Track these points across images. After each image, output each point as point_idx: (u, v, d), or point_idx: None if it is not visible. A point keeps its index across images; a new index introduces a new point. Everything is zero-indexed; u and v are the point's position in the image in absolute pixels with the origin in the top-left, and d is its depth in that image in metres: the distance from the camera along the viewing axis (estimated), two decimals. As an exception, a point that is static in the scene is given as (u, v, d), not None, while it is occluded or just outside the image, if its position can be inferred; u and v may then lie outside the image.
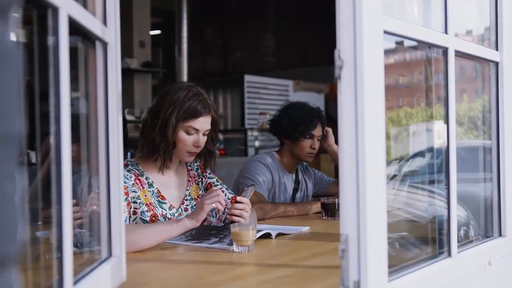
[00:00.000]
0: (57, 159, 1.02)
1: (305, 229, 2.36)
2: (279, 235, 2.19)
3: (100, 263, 1.32)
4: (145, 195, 2.19)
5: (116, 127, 1.39)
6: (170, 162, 2.27)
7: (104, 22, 1.36)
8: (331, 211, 2.66)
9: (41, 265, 1.30)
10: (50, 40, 1.03)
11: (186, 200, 2.35)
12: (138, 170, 2.23)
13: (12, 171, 0.57)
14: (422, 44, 1.60)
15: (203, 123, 2.23)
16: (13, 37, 0.58)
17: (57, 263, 1.02)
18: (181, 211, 2.30)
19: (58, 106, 1.01)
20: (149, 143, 2.21)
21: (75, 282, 1.10)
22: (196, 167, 2.44)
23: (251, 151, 7.56)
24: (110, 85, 1.38)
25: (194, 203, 2.36)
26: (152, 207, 2.19)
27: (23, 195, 0.59)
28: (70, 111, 1.04)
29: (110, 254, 1.38)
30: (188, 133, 2.21)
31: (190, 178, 2.39)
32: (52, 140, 1.03)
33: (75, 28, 1.13)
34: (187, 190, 2.36)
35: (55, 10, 1.00)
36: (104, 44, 1.36)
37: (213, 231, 2.15)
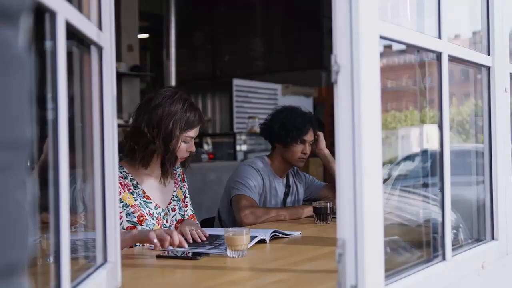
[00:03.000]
0: (55, 164, 1.01)
1: (297, 233, 2.37)
2: (273, 238, 2.19)
3: (95, 269, 1.31)
4: (129, 197, 2.25)
5: (111, 131, 1.38)
6: (172, 171, 2.38)
7: (100, 26, 1.35)
8: (323, 215, 2.66)
9: (35, 270, 1.29)
10: (47, 44, 1.02)
11: (174, 200, 2.43)
12: (121, 173, 2.25)
13: (22, 178, 0.57)
14: (410, 48, 1.61)
15: (197, 130, 2.35)
16: (23, 43, 0.58)
17: (54, 269, 1.01)
18: (168, 210, 2.38)
19: (56, 110, 1.01)
20: (150, 154, 2.27)
21: (72, 288, 1.09)
22: (178, 173, 2.52)
23: (240, 155, 7.55)
24: (105, 90, 1.37)
25: (181, 204, 2.45)
26: (137, 208, 2.25)
27: (33, 201, 0.59)
28: (67, 116, 1.03)
29: (105, 259, 1.37)
30: (185, 142, 2.31)
31: (176, 180, 2.48)
32: (49, 144, 1.02)
33: (71, 33, 1.12)
34: (174, 191, 2.44)
35: (53, 14, 1.00)
36: (100, 49, 1.35)
37: (207, 240, 2.14)
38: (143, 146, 2.25)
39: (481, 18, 1.85)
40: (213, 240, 2.14)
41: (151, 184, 2.35)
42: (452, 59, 1.60)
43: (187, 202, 2.53)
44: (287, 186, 3.17)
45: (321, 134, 3.15)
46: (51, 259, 1.09)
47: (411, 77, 1.94)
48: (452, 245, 1.58)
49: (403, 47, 1.58)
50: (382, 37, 1.25)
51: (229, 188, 2.98)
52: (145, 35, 10.23)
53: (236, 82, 8.35)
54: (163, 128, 2.23)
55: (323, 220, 2.65)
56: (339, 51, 1.18)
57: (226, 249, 1.89)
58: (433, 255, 1.54)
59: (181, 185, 2.50)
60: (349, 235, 1.17)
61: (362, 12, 1.16)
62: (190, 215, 2.47)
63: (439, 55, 1.53)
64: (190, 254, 1.90)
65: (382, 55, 1.53)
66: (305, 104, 7.78)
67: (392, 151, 2.35)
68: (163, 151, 2.26)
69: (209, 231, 2.27)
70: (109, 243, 1.38)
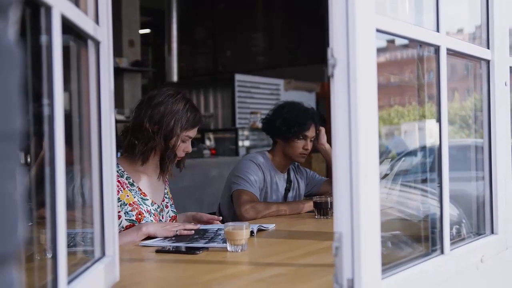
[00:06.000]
0: (51, 160, 1.01)
1: (271, 226, 2.40)
2: (259, 231, 2.24)
3: (93, 263, 1.31)
4: (127, 195, 2.28)
5: (108, 126, 1.38)
6: (171, 168, 2.39)
7: (96, 21, 1.35)
8: (323, 209, 2.66)
9: (32, 265, 1.29)
10: (43, 39, 1.02)
11: (166, 197, 2.47)
12: (117, 171, 2.26)
13: (13, 169, 0.57)
14: (413, 43, 1.60)
15: (196, 131, 2.39)
16: (12, 35, 0.58)
17: (51, 263, 1.02)
18: (163, 207, 2.42)
19: (52, 105, 1.01)
20: (149, 150, 2.29)
21: (69, 282, 1.10)
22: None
23: (242, 151, 7.55)
24: (103, 84, 1.37)
25: (171, 202, 2.50)
26: (136, 206, 2.28)
27: (24, 193, 0.60)
28: (63, 111, 1.03)
29: (103, 253, 1.38)
30: (183, 141, 2.33)
31: (166, 180, 2.51)
32: (45, 140, 1.02)
33: (67, 27, 1.12)
34: (165, 189, 2.49)
35: (48, 9, 1.00)
36: (97, 43, 1.35)
37: (196, 235, 2.14)
38: (144, 141, 2.27)
39: (481, 11, 1.85)
40: (203, 234, 2.14)
41: (145, 182, 2.38)
42: (451, 52, 1.59)
43: (167, 203, 2.55)
44: (289, 181, 3.17)
45: (322, 129, 3.15)
46: (51, 254, 1.10)
47: (414, 72, 1.94)
48: (454, 240, 1.57)
49: (406, 41, 1.58)
50: (378, 31, 1.24)
51: (230, 183, 2.99)
52: (147, 31, 10.23)
53: (238, 77, 8.35)
54: (165, 125, 2.27)
55: (324, 215, 2.65)
56: (335, 45, 1.18)
57: (223, 242, 1.90)
58: (431, 249, 1.54)
59: (168, 184, 2.55)
60: (346, 228, 1.17)
61: (358, 5, 1.16)
62: (172, 216, 2.49)
63: (437, 49, 1.52)
64: (189, 249, 1.91)
65: (385, 49, 1.53)
66: (308, 99, 7.79)
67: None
68: (163, 147, 2.29)
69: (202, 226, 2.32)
70: (107, 237, 1.38)
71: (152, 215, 2.31)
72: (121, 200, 2.23)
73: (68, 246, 1.12)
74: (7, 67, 0.55)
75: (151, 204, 2.34)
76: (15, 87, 0.56)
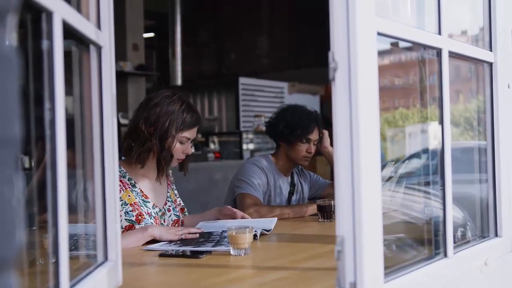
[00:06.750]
0: (52, 164, 1.01)
1: (274, 220, 2.43)
2: (262, 234, 2.24)
3: (96, 267, 1.32)
4: (129, 196, 2.28)
5: (111, 131, 1.39)
6: (167, 169, 2.39)
7: (98, 26, 1.36)
8: (327, 213, 2.66)
9: (36, 270, 1.29)
10: (44, 44, 1.02)
11: (168, 201, 2.47)
12: (120, 172, 2.28)
13: (11, 175, 0.57)
14: (416, 45, 1.60)
15: (195, 132, 2.38)
16: (10, 41, 0.58)
17: (53, 268, 1.02)
18: (165, 210, 2.42)
19: (53, 110, 1.01)
20: (146, 151, 2.29)
21: (71, 286, 1.10)
22: (170, 174, 2.58)
23: (246, 154, 7.55)
24: (105, 89, 1.38)
25: (174, 205, 2.49)
26: (137, 206, 2.28)
27: (21, 198, 0.60)
28: (65, 115, 1.04)
29: (106, 258, 1.38)
30: (181, 142, 2.33)
31: (169, 182, 2.52)
32: (47, 144, 1.02)
33: (69, 32, 1.13)
34: (168, 192, 2.49)
35: (49, 14, 1.00)
36: (98, 48, 1.36)
37: (201, 238, 2.14)
38: (140, 143, 2.28)
39: (483, 13, 1.84)
40: (208, 238, 2.14)
41: (147, 184, 2.38)
42: (453, 55, 1.59)
43: (179, 201, 2.58)
44: (292, 184, 3.17)
45: (326, 132, 3.14)
46: (54, 258, 1.10)
47: (418, 74, 1.94)
48: (458, 242, 1.57)
49: (410, 44, 1.57)
50: (379, 34, 1.24)
51: (233, 186, 2.99)
52: (151, 34, 10.23)
53: (242, 80, 8.34)
54: (160, 126, 2.27)
55: (327, 218, 2.65)
56: (336, 48, 1.18)
57: (228, 245, 1.90)
58: (435, 252, 1.54)
59: (173, 187, 2.55)
60: (348, 232, 1.17)
61: (359, 8, 1.16)
62: (181, 208, 2.54)
63: (439, 51, 1.52)
64: (192, 253, 1.91)
65: (389, 52, 1.52)
66: (312, 102, 7.78)
67: (400, 149, 2.34)
68: (159, 149, 2.29)
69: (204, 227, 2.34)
70: (110, 241, 1.38)
71: (152, 217, 2.31)
72: (122, 200, 2.24)
73: (70, 249, 1.12)
74: (5, 73, 0.55)
75: (153, 207, 2.34)
76: (14, 93, 0.57)
